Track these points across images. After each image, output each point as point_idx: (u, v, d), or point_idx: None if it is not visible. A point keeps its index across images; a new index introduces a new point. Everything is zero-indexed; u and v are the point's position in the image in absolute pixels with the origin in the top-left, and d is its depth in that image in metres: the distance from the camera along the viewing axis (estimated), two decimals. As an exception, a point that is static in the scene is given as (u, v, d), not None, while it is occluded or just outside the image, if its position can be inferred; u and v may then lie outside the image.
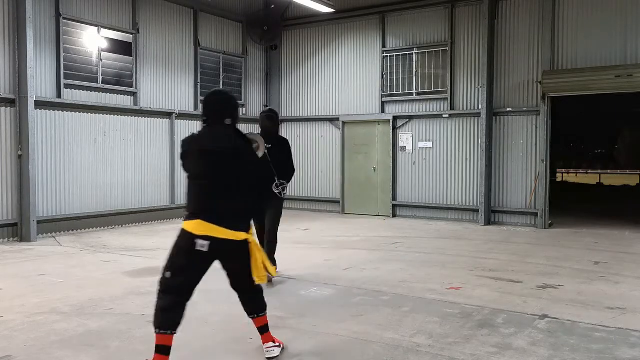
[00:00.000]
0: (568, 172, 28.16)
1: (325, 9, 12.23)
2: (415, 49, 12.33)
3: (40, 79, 9.52)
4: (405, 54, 12.48)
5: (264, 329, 4.04)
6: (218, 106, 3.82)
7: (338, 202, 13.43)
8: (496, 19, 11.35)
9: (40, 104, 9.40)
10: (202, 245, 3.53)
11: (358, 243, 9.19)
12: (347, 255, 8.00)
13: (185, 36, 12.30)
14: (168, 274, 3.59)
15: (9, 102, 9.03)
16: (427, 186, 12.25)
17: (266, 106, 13.77)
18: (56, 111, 9.73)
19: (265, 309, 4.03)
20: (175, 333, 3.60)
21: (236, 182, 3.66)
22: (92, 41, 10.42)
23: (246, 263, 3.72)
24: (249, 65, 14.05)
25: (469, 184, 11.72)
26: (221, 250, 3.60)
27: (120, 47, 10.99)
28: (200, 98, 12.60)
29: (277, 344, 4.09)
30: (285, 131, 14.38)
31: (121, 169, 10.84)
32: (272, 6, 13.66)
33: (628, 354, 4.10)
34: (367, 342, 4.34)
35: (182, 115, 12.01)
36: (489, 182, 11.37)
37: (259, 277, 3.76)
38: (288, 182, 6.54)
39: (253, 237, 3.77)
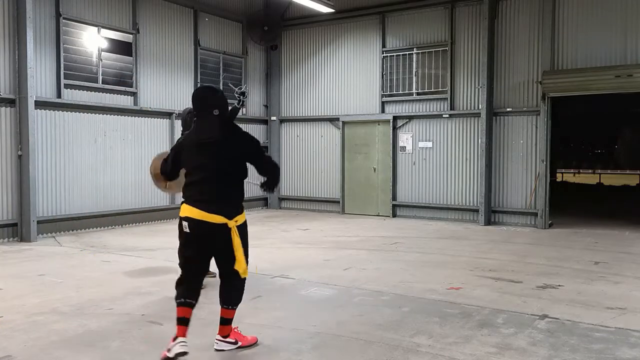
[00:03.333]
0: (578, 172, 28.13)
1: (325, 9, 12.23)
2: (415, 49, 12.33)
3: (40, 79, 9.52)
4: (405, 54, 12.47)
5: (225, 321, 4.13)
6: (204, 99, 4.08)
7: (338, 202, 13.43)
8: (496, 19, 11.35)
9: (40, 104, 9.40)
10: (185, 226, 3.90)
11: (358, 243, 9.19)
12: (347, 255, 8.00)
13: (185, 36, 12.30)
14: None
15: (9, 102, 9.03)
16: (427, 186, 12.25)
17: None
18: (56, 111, 9.73)
19: (236, 304, 4.12)
20: (189, 304, 3.92)
21: (220, 168, 3.93)
22: (92, 41, 10.41)
23: (225, 248, 3.89)
24: (249, 65, 14.05)
25: (469, 184, 11.72)
26: (201, 231, 3.87)
27: (120, 47, 10.99)
28: (200, 98, 12.59)
29: (233, 339, 4.17)
30: (285, 131, 14.40)
31: (121, 169, 10.84)
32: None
33: (628, 354, 4.10)
34: (367, 342, 4.34)
35: (182, 115, 11.98)
36: (489, 182, 11.37)
37: (241, 270, 3.92)
38: None
39: (236, 223, 3.89)
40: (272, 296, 5.77)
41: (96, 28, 10.42)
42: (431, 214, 12.18)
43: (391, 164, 12.56)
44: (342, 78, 13.45)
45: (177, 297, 3.96)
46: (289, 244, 9.11)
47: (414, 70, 12.34)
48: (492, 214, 11.50)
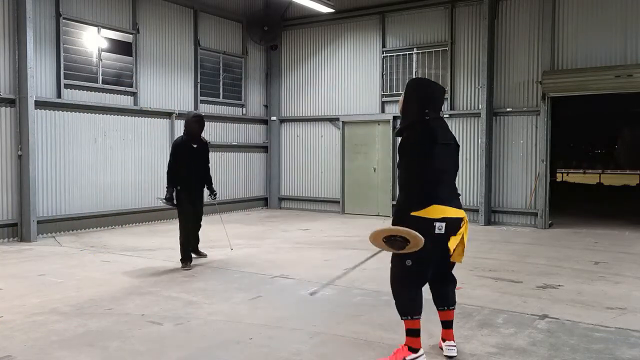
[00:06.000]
0: (568, 174, 28.13)
1: (325, 9, 12.23)
2: (415, 49, 12.33)
3: (40, 79, 9.53)
4: (405, 54, 12.48)
5: (447, 324, 4.08)
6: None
7: (338, 202, 13.43)
8: (496, 19, 11.35)
9: (40, 104, 9.40)
10: (440, 228, 3.75)
11: (358, 243, 9.18)
12: (347, 255, 7.99)
13: (185, 36, 12.30)
14: (409, 262, 3.82)
15: (9, 102, 9.03)
16: (427, 186, 12.22)
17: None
18: (56, 111, 9.73)
19: (455, 303, 4.12)
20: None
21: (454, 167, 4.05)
22: (92, 41, 10.42)
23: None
24: (249, 65, 14.05)
25: (468, 184, 11.71)
26: (453, 230, 3.81)
27: (120, 47, 11.00)
28: (200, 98, 12.60)
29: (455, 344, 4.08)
30: (285, 131, 14.40)
31: (121, 169, 10.84)
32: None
33: (628, 354, 4.09)
34: (367, 342, 4.34)
35: (182, 115, 11.96)
36: (489, 182, 11.37)
37: (460, 256, 3.89)
38: (211, 185, 7.61)
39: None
40: (272, 296, 5.77)
41: (96, 28, 10.42)
42: (431, 214, 12.15)
43: (391, 164, 12.56)
44: (342, 78, 13.45)
45: (412, 313, 3.85)
46: (289, 244, 9.11)
47: (414, 70, 12.34)
48: (492, 214, 11.50)
